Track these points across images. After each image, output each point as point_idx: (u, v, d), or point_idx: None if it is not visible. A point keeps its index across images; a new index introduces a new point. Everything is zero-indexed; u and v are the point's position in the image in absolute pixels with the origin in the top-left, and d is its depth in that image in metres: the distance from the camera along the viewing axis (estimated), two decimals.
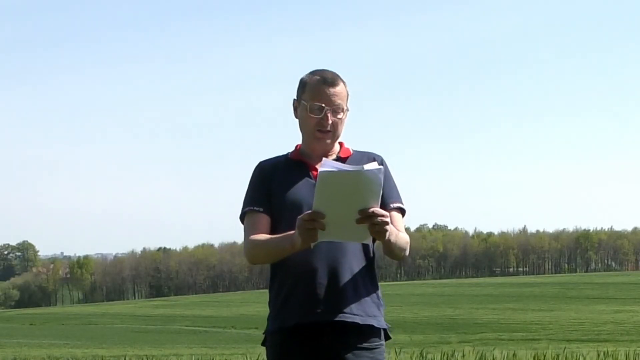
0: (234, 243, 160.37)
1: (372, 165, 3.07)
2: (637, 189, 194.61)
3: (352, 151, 3.52)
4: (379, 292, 3.46)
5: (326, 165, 3.06)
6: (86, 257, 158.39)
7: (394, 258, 3.40)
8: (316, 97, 3.38)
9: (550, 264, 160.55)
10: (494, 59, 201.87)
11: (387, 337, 3.46)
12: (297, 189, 3.39)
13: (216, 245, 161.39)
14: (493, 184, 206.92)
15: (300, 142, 3.53)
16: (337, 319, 3.30)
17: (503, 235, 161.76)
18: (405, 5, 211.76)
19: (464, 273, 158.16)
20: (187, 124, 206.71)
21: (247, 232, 3.41)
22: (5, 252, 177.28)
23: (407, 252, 3.40)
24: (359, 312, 3.33)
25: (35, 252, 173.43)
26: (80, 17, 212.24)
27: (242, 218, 3.46)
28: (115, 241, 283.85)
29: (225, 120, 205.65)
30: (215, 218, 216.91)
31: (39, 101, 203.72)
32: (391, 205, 3.41)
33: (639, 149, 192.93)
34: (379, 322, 3.39)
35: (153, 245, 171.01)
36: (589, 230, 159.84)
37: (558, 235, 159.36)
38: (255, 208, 3.41)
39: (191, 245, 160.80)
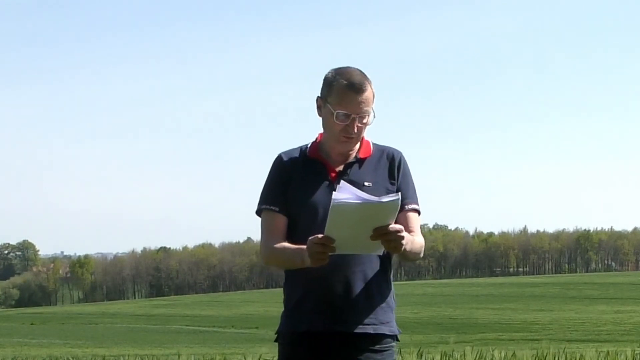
0: (234, 243, 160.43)
1: (391, 197, 3.05)
2: (637, 189, 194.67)
3: (371, 148, 3.46)
4: (393, 292, 3.46)
5: (342, 190, 3.04)
6: (86, 256, 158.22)
7: (407, 262, 3.41)
8: (343, 104, 3.30)
9: (550, 264, 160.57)
10: (494, 59, 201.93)
11: (396, 339, 3.47)
12: (314, 192, 3.35)
13: (216, 245, 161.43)
14: (493, 184, 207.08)
15: (316, 133, 3.49)
16: (348, 330, 3.31)
17: (503, 235, 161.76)
18: (406, 5, 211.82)
19: (464, 273, 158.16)
20: (187, 124, 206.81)
21: (264, 234, 3.41)
22: (6, 252, 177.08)
23: (422, 254, 3.39)
24: (372, 322, 3.33)
25: (36, 251, 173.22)
26: (81, 16, 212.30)
27: (258, 213, 3.45)
28: (116, 241, 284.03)
29: (225, 120, 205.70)
30: (215, 218, 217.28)
31: (39, 101, 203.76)
32: (407, 207, 3.39)
33: (638, 149, 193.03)
34: (391, 328, 3.39)
35: (153, 244, 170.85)
36: (589, 230, 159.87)
37: (558, 236, 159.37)
38: (271, 207, 3.39)
39: (191, 244, 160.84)
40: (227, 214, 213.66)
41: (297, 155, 3.44)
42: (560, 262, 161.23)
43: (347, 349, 3.32)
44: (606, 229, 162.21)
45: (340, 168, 3.39)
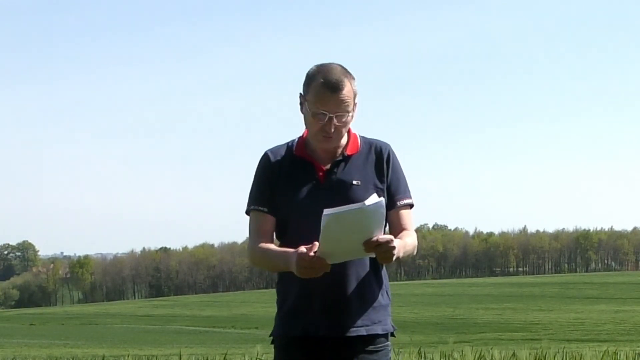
0: (234, 243, 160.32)
1: (373, 199, 3.06)
2: (637, 189, 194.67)
3: (359, 143, 3.39)
4: (386, 288, 3.42)
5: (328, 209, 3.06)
6: (86, 256, 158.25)
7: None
8: (319, 102, 3.23)
9: (550, 264, 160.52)
10: (494, 59, 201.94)
11: (392, 334, 3.45)
12: (302, 192, 3.32)
13: (216, 245, 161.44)
14: (493, 184, 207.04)
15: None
16: (343, 335, 3.29)
17: (503, 235, 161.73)
18: (406, 5, 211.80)
19: (464, 273, 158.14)
20: (187, 124, 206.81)
21: (252, 234, 3.38)
22: (5, 252, 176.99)
23: (415, 251, 3.38)
24: (365, 323, 3.31)
25: (35, 251, 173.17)
26: (81, 16, 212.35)
27: (248, 213, 3.42)
28: (115, 241, 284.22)
29: (225, 120, 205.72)
30: (215, 218, 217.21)
31: (39, 101, 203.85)
32: (399, 203, 3.36)
33: (638, 148, 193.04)
34: (385, 327, 3.37)
35: (153, 245, 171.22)
36: (589, 230, 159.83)
37: (558, 235, 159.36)
38: (260, 208, 3.36)
39: (191, 245, 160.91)
40: (227, 214, 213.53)
41: (283, 153, 3.40)
42: (560, 262, 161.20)
43: (341, 352, 3.30)
44: (606, 229, 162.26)
45: (328, 166, 3.35)
